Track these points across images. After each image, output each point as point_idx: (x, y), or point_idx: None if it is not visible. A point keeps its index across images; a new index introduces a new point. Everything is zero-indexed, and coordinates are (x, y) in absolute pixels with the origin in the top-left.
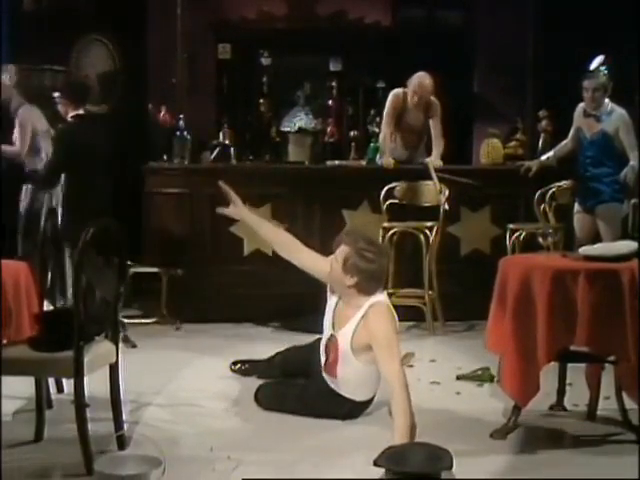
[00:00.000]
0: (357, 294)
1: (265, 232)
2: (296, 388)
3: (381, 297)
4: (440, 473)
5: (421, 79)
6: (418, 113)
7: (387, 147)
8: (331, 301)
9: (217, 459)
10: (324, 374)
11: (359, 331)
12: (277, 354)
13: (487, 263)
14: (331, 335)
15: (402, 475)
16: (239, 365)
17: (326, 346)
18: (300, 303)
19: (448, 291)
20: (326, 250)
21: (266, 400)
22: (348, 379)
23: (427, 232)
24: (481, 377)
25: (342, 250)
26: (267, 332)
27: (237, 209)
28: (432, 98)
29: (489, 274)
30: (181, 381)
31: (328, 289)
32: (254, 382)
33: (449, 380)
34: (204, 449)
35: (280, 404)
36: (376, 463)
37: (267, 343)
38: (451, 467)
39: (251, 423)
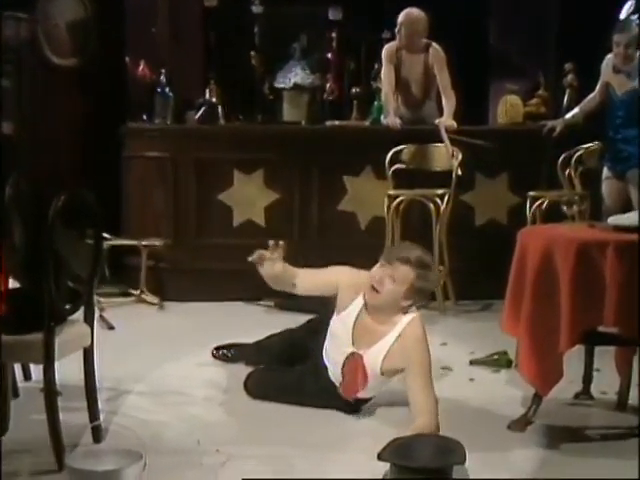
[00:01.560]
0: (399, 312)
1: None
2: (290, 376)
3: (413, 310)
4: (451, 468)
5: (407, 12)
6: (415, 62)
7: (391, 105)
8: (348, 312)
9: (204, 453)
10: (340, 393)
11: (393, 352)
12: (267, 338)
13: (504, 235)
14: (352, 353)
15: (409, 470)
16: (222, 351)
17: (343, 365)
18: None
19: (461, 267)
20: (323, 226)
21: (257, 389)
22: (367, 394)
23: (437, 201)
24: (497, 362)
25: (406, 273)
26: (259, 312)
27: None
28: (433, 44)
29: (506, 247)
30: (164, 366)
31: (339, 298)
32: (244, 368)
33: (462, 365)
34: (190, 442)
35: (272, 393)
36: (380, 457)
37: (259, 324)
38: (464, 462)
39: (241, 413)
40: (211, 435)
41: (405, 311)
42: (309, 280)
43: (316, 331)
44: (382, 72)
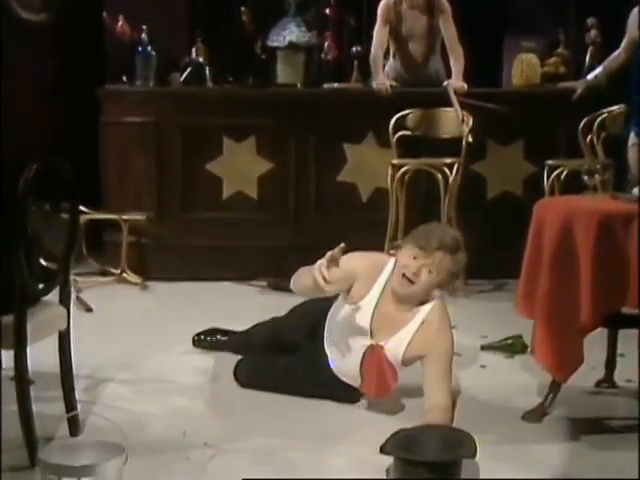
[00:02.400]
0: (428, 298)
1: None
2: (282, 363)
3: (435, 293)
4: (460, 462)
5: None
6: (418, 17)
7: (379, 66)
8: (366, 302)
9: (191, 446)
10: (352, 379)
11: (416, 340)
12: (257, 325)
13: (519, 208)
14: (371, 346)
15: (414, 464)
16: (203, 337)
17: (362, 360)
18: (291, 258)
19: (471, 243)
20: (321, 199)
21: (247, 377)
22: None
23: (446, 170)
24: (511, 347)
25: (446, 262)
26: (251, 292)
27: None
28: None
29: (522, 221)
30: (147, 352)
31: (355, 287)
32: (233, 355)
33: (472, 351)
34: (176, 434)
35: (264, 382)
36: (383, 450)
37: (251, 305)
38: (474, 456)
39: (231, 403)
40: (199, 427)
41: (431, 295)
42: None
43: (303, 318)
44: (375, 29)
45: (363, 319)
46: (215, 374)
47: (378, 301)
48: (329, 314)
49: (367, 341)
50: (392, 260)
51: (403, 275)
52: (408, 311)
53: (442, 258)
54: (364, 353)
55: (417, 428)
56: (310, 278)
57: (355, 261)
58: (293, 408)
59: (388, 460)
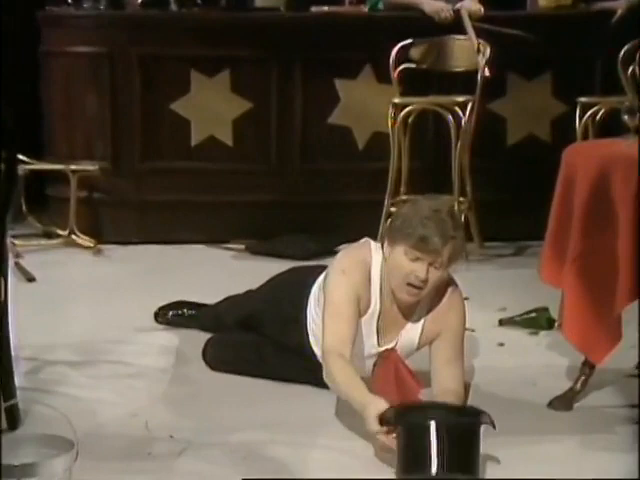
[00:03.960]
0: None
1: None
2: (261, 343)
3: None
4: (478, 430)
5: None
6: None
7: None
8: (369, 315)
9: (154, 440)
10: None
11: (428, 324)
12: (229, 298)
13: (546, 155)
14: (382, 353)
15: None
16: (167, 312)
17: (372, 370)
18: (274, 216)
19: (488, 198)
20: (309, 146)
21: (218, 359)
22: None
23: (458, 111)
24: (535, 322)
25: (450, 252)
26: (226, 257)
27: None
28: None
29: (548, 172)
30: (100, 329)
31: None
32: (202, 333)
33: (489, 326)
34: (135, 425)
35: (238, 365)
36: (384, 421)
37: (227, 272)
38: (493, 425)
39: (201, 389)
40: (163, 417)
41: None
42: (343, 337)
43: (283, 291)
44: None
45: (369, 329)
46: (181, 355)
47: (381, 307)
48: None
49: (374, 349)
50: (375, 252)
51: (409, 284)
52: (413, 303)
53: (448, 249)
54: (374, 364)
55: (420, 401)
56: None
57: (345, 282)
58: (273, 395)
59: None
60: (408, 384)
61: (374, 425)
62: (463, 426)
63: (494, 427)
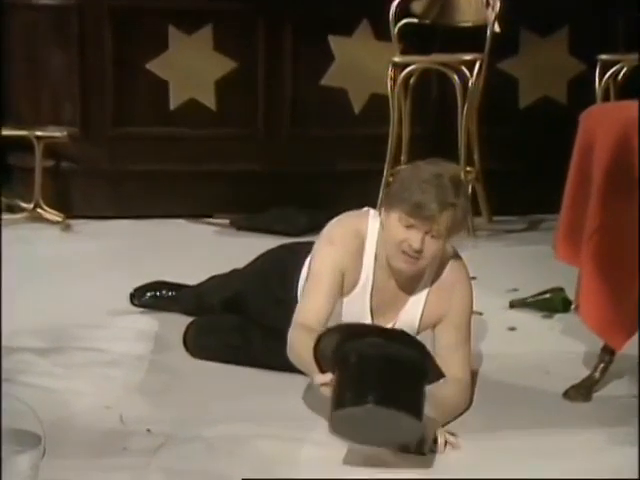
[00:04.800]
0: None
1: None
2: (248, 327)
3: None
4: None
5: None
6: None
7: None
8: (359, 289)
9: (130, 434)
10: None
11: (430, 305)
12: (213, 278)
13: (562, 119)
14: None
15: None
16: (144, 293)
17: None
18: (261, 187)
19: (498, 168)
20: (300, 110)
21: (201, 345)
22: None
23: (464, 71)
24: (549, 303)
25: (450, 218)
26: (209, 233)
27: None
28: None
29: (564, 137)
30: (70, 313)
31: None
32: (183, 317)
33: (498, 309)
34: (109, 419)
35: (222, 352)
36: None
37: (209, 251)
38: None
39: (180, 378)
40: (139, 409)
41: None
42: (318, 310)
43: (272, 270)
44: None
45: (360, 307)
46: (160, 341)
47: (374, 278)
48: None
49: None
50: (373, 220)
51: (404, 252)
52: (415, 276)
53: (446, 217)
54: None
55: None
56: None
57: (331, 253)
58: (260, 385)
59: (380, 451)
60: None
61: (318, 377)
62: (402, 357)
63: (442, 376)
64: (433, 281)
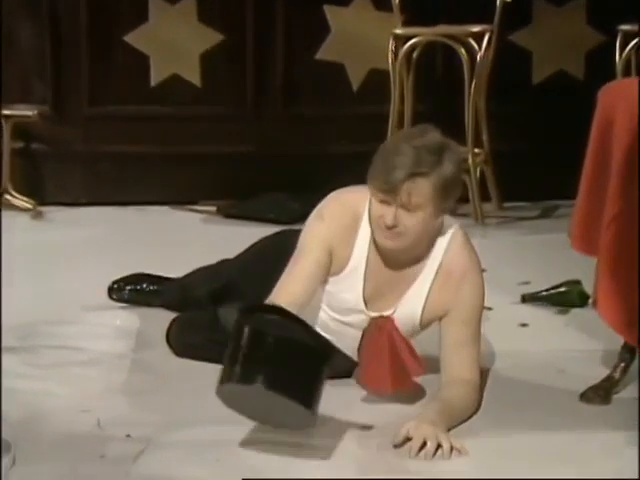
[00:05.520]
0: (432, 238)
1: None
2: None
3: (448, 220)
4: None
5: None
6: None
7: None
8: (351, 268)
9: (108, 439)
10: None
11: (434, 294)
12: (198, 270)
13: (579, 96)
14: (375, 320)
15: None
16: (124, 286)
17: (360, 343)
18: (252, 171)
19: (508, 149)
20: (293, 86)
21: (185, 343)
22: None
23: (472, 43)
24: (564, 297)
25: (425, 189)
26: (194, 221)
27: None
28: None
29: (581, 115)
30: (43, 308)
31: (334, 258)
32: (165, 312)
33: (509, 303)
34: (86, 422)
35: (209, 350)
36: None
37: (194, 241)
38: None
39: (164, 379)
40: (119, 412)
41: (439, 229)
42: (298, 286)
43: (264, 261)
44: None
45: (351, 290)
46: (141, 338)
47: (368, 260)
48: None
49: (362, 315)
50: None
51: (385, 228)
52: (414, 261)
53: (419, 187)
54: (363, 333)
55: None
56: None
57: (324, 228)
58: None
59: (380, 460)
60: (406, 362)
61: None
62: (301, 342)
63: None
64: (439, 264)
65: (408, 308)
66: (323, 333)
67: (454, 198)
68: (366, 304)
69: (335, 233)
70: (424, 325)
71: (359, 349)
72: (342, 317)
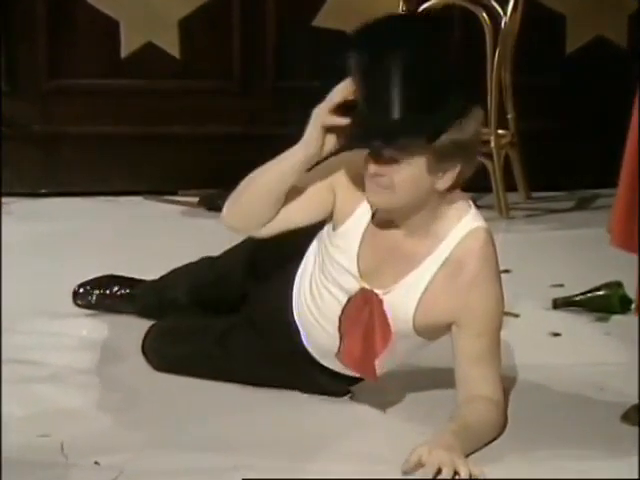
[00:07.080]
0: (440, 209)
1: None
2: (223, 331)
3: (476, 215)
4: None
5: None
6: None
7: None
8: (350, 224)
9: (73, 467)
10: (336, 360)
11: (435, 290)
12: (177, 270)
13: (620, 66)
14: (361, 290)
15: None
16: (91, 290)
17: (342, 311)
18: (238, 155)
19: (538, 130)
20: (286, 58)
21: (163, 353)
22: (381, 366)
23: (496, 6)
24: (603, 302)
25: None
26: (173, 214)
27: None
28: None
29: (623, 89)
30: (5, 314)
31: (337, 206)
32: (140, 321)
33: (539, 309)
34: (47, 449)
35: (190, 362)
36: None
37: (172, 236)
38: None
39: (138, 397)
40: (85, 436)
41: (452, 205)
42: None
43: (255, 258)
44: None
45: (346, 250)
46: (111, 350)
47: (368, 225)
48: (303, 263)
49: (354, 284)
50: None
51: (371, 181)
52: (421, 240)
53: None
54: (348, 300)
55: None
56: (273, 175)
57: (331, 168)
58: (239, 403)
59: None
60: (372, 343)
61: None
62: None
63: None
64: (449, 254)
65: (403, 294)
66: (306, 306)
67: (462, 163)
68: (360, 274)
69: (338, 177)
70: (419, 328)
71: (342, 317)
72: (332, 286)
